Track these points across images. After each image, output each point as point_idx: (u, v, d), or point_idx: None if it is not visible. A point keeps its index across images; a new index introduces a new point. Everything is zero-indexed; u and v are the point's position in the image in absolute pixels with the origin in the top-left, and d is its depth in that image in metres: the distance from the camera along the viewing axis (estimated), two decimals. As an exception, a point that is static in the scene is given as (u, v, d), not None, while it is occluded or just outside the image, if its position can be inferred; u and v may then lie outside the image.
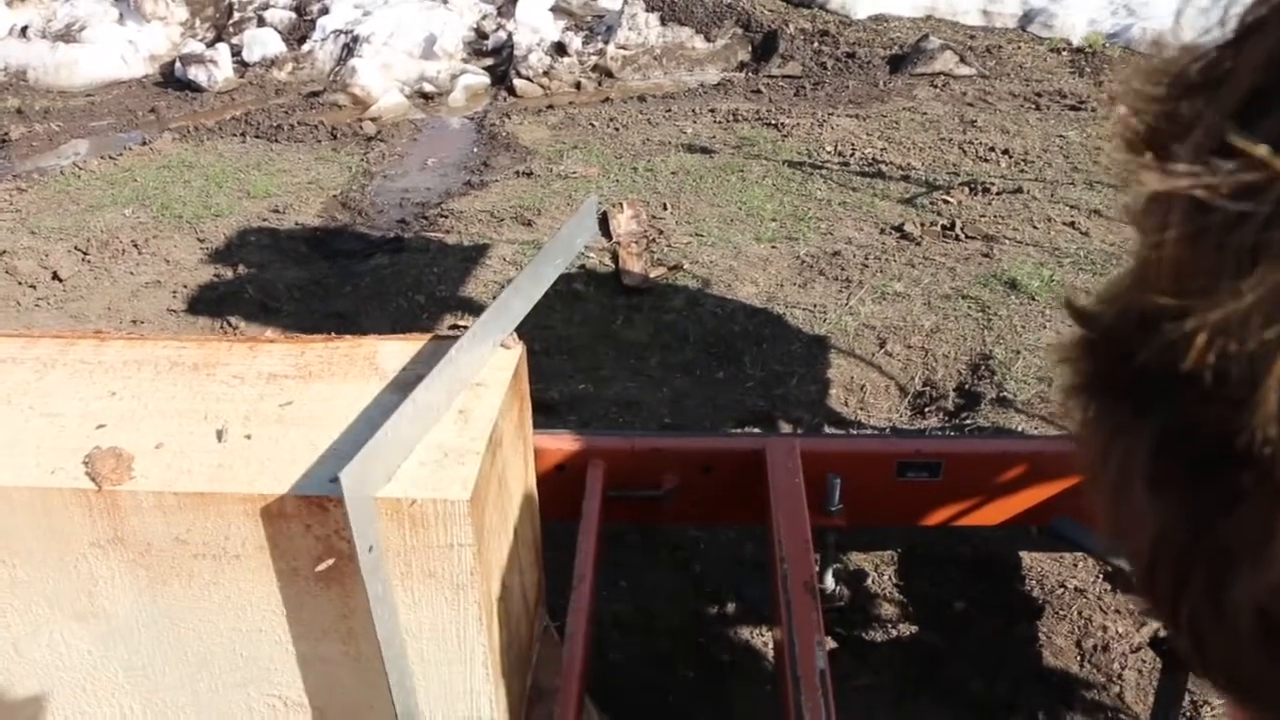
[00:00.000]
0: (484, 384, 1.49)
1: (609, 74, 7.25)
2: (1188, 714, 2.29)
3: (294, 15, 8.04)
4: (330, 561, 1.34)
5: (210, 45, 7.63)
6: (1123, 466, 0.35)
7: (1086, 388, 0.36)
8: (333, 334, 1.67)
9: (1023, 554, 2.72)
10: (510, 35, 7.48)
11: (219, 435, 1.41)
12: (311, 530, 1.32)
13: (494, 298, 4.10)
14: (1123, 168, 0.34)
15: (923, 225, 4.66)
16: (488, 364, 1.53)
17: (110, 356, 1.61)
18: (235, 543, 1.34)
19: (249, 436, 1.40)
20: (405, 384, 1.49)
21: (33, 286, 4.38)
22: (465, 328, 1.52)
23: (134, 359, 1.60)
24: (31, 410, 1.48)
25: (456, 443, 1.37)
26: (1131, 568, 0.38)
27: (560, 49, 7.37)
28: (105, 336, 1.68)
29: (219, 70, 7.25)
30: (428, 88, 7.07)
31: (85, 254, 4.63)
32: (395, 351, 1.58)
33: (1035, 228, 4.64)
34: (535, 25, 7.51)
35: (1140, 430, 0.34)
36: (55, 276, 4.44)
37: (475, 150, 6.01)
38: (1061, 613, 2.53)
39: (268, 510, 1.31)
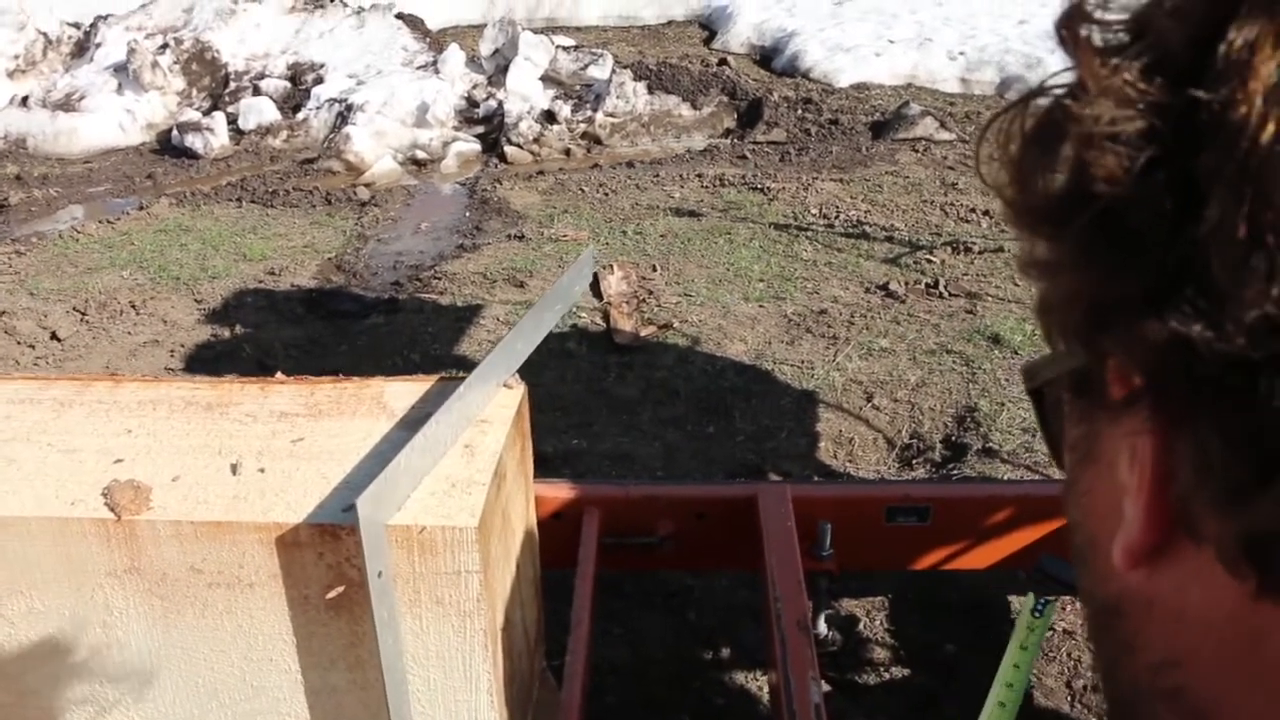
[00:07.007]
0: (488, 421, 1.55)
1: (598, 141, 7.41)
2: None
3: (289, 84, 8.20)
4: (340, 589, 1.38)
5: (206, 113, 7.77)
6: None
7: None
8: (340, 375, 1.73)
9: (1011, 598, 2.77)
10: (501, 104, 7.65)
11: (233, 469, 1.46)
12: (324, 558, 1.37)
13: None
14: None
15: (907, 284, 4.76)
16: (492, 402, 1.59)
17: (125, 397, 1.66)
18: (249, 571, 1.39)
19: (263, 470, 1.46)
20: (412, 421, 1.55)
21: (31, 346, 4.44)
22: (468, 372, 1.58)
23: (149, 399, 1.65)
24: (50, 446, 1.53)
25: (463, 474, 1.43)
26: None
27: (550, 117, 7.53)
28: (120, 379, 1.73)
29: (215, 138, 7.38)
30: (420, 155, 7.20)
31: (84, 314, 4.69)
32: (401, 392, 1.64)
33: (1016, 285, 4.75)
34: (525, 94, 7.68)
35: None
36: (54, 336, 4.49)
37: (467, 215, 6.12)
38: (1051, 654, 2.57)
39: (282, 539, 1.36)
